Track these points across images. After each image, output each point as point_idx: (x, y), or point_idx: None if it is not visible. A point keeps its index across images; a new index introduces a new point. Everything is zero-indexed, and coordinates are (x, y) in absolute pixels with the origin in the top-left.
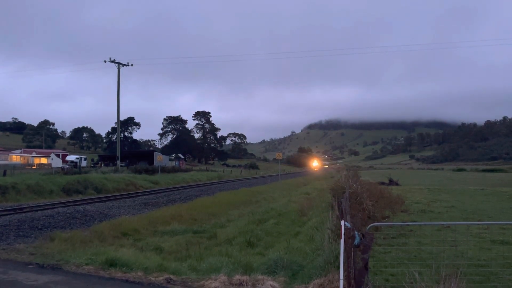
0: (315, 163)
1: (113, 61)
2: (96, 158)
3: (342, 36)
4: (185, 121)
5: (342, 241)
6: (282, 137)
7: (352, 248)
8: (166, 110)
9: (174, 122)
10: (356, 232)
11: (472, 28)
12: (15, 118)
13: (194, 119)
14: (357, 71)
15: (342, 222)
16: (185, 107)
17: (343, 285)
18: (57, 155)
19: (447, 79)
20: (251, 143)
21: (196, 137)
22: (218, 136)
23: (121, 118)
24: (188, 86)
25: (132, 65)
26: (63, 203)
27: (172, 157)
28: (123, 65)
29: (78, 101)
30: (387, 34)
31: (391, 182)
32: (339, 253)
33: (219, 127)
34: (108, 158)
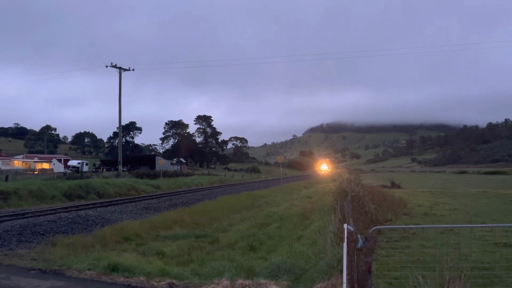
0: (323, 166)
1: (115, 66)
2: (97, 163)
3: (351, 41)
4: (186, 125)
5: (344, 244)
6: (283, 140)
7: (355, 252)
8: (173, 115)
9: (175, 127)
10: (359, 236)
11: (477, 31)
12: (17, 124)
13: (195, 123)
14: (362, 75)
15: (345, 226)
16: (192, 112)
17: None
18: (59, 160)
19: (449, 82)
20: (253, 147)
21: (197, 141)
22: (219, 140)
23: (124, 123)
24: (197, 91)
25: (133, 69)
26: (65, 208)
27: (174, 162)
28: (124, 70)
29: (80, 106)
30: (395, 40)
31: (393, 185)
32: (341, 257)
33: (220, 131)
34: (109, 163)
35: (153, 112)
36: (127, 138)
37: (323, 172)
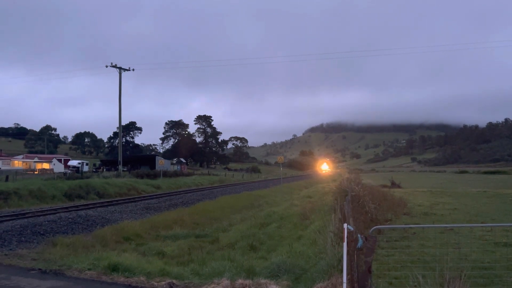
0: (324, 166)
1: (115, 66)
2: (98, 163)
3: (351, 41)
4: (186, 125)
5: (345, 244)
6: (283, 140)
7: (355, 251)
8: (173, 115)
9: (175, 127)
10: (359, 235)
11: (477, 31)
12: (17, 124)
13: (195, 123)
14: (363, 75)
15: (345, 225)
16: (192, 112)
17: None
18: (59, 160)
19: (449, 82)
20: (253, 147)
21: (197, 141)
22: (219, 140)
23: (124, 123)
24: (197, 91)
25: (133, 69)
26: (65, 208)
27: (174, 162)
28: (124, 70)
29: (80, 106)
30: (395, 40)
31: (393, 185)
32: (342, 257)
33: (220, 131)
34: (110, 163)
35: (153, 112)
36: (127, 138)
37: (323, 172)
